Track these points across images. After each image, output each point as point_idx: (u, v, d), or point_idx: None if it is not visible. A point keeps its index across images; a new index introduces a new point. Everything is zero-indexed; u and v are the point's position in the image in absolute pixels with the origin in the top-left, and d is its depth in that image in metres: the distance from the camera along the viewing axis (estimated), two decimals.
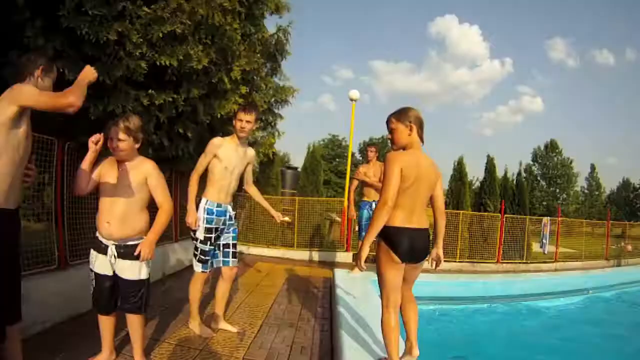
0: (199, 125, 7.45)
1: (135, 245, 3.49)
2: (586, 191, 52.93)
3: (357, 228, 9.95)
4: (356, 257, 3.54)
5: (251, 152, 5.07)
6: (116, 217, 3.49)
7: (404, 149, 3.60)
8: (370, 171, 7.97)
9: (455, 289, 8.71)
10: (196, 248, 4.74)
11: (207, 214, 4.68)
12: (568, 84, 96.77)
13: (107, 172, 3.59)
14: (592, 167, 53.71)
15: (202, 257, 4.73)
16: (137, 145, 3.67)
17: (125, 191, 3.53)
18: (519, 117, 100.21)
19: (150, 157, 6.53)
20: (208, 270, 4.84)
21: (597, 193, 52.48)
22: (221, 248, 4.92)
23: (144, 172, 3.63)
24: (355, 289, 6.42)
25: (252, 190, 5.33)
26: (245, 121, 4.70)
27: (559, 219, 14.78)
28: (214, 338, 4.76)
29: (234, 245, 5.00)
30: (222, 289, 5.05)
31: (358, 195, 8.67)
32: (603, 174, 68.39)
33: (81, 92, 2.88)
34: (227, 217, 4.87)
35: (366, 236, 3.41)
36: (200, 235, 4.67)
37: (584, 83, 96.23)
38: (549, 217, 14.53)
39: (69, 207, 5.42)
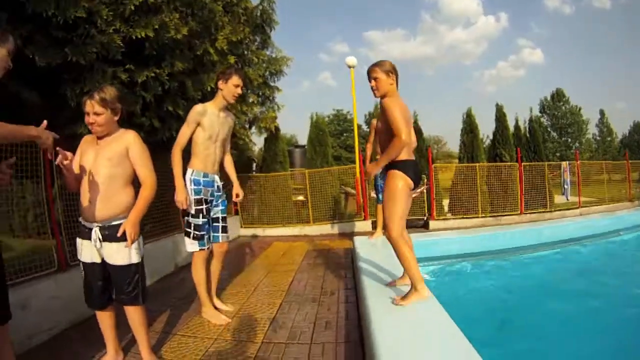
0: (190, 101, 7.09)
1: (121, 225, 3.19)
2: (598, 138, 52.15)
3: (372, 193, 9.55)
4: (367, 169, 4.04)
5: (232, 117, 4.79)
6: (97, 196, 3.18)
7: (384, 96, 3.93)
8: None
9: (481, 243, 8.33)
10: (188, 224, 4.41)
11: (194, 184, 4.40)
12: (567, 33, 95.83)
13: (85, 151, 3.30)
14: (602, 113, 52.76)
15: (197, 232, 4.40)
16: (116, 118, 3.34)
17: (106, 165, 3.22)
18: (521, 71, 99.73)
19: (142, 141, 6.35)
20: (206, 247, 4.50)
21: (609, 139, 51.60)
22: (210, 222, 4.62)
23: (125, 142, 3.31)
24: (377, 253, 5.98)
25: (227, 159, 4.92)
26: (241, 87, 4.48)
27: (578, 162, 14.22)
28: (230, 324, 4.43)
29: (224, 219, 4.76)
30: (213, 267, 4.79)
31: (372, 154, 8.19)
32: (613, 120, 67.66)
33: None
34: (215, 187, 4.60)
35: (382, 159, 3.80)
36: (190, 208, 4.37)
37: (583, 29, 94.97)
38: (567, 162, 14.03)
39: (63, 204, 5.15)
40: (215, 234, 4.67)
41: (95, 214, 3.16)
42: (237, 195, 4.90)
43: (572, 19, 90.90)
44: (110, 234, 3.18)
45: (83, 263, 3.29)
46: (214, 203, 4.62)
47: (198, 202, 4.38)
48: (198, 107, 4.36)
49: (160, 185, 6.90)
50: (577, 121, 48.47)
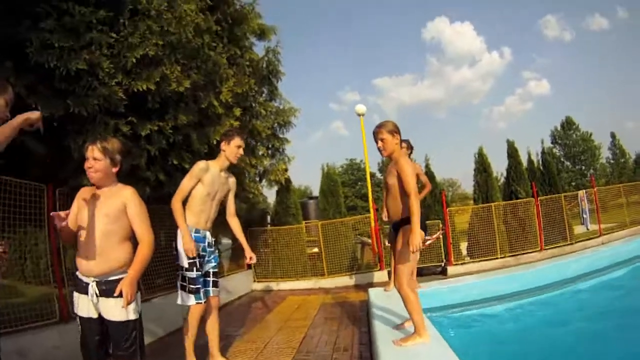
0: (196, 155, 7.08)
1: (118, 281, 3.09)
2: (612, 161, 51.93)
3: (387, 242, 9.33)
4: (414, 243, 3.83)
5: (232, 179, 4.92)
6: (95, 251, 3.12)
7: (391, 154, 4.25)
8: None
9: (500, 287, 8.02)
10: (183, 278, 4.42)
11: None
12: (570, 59, 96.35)
13: (82, 205, 3.27)
14: (613, 135, 52.89)
15: (192, 286, 4.39)
16: (114, 169, 3.33)
17: (103, 221, 3.18)
18: (529, 104, 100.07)
19: (148, 196, 6.30)
20: (203, 301, 4.48)
21: (622, 160, 51.43)
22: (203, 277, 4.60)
23: (123, 198, 3.27)
24: (393, 305, 5.72)
25: (234, 222, 5.01)
26: (243, 147, 4.68)
27: (595, 189, 13.91)
28: None
29: (215, 274, 4.76)
30: (211, 322, 4.72)
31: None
32: (625, 140, 67.44)
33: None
34: (206, 243, 4.61)
35: (415, 224, 3.82)
36: (184, 262, 4.38)
37: (585, 53, 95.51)
38: (584, 190, 13.75)
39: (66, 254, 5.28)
40: (207, 288, 4.61)
41: (92, 269, 3.11)
42: (251, 259, 4.92)
43: (572, 44, 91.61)
44: (107, 289, 3.10)
45: (80, 317, 3.20)
46: (206, 259, 4.61)
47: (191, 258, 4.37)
48: (202, 164, 4.47)
49: (169, 239, 6.90)
50: (589, 147, 48.75)
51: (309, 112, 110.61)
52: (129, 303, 3.05)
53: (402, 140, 7.25)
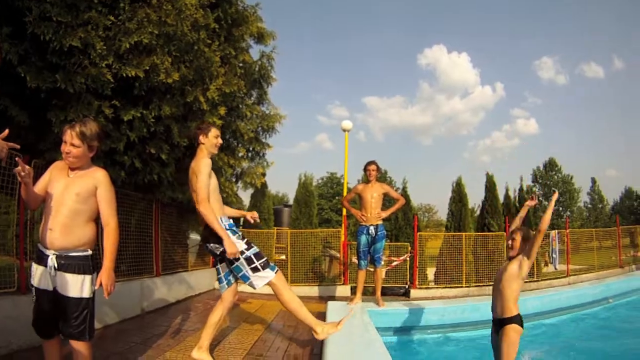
0: (176, 148, 7.22)
1: (77, 257, 3.21)
2: (589, 206, 52.85)
3: (354, 259, 9.38)
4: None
5: None
6: (60, 225, 3.18)
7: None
8: (369, 192, 7.33)
9: (464, 315, 8.07)
10: (249, 260, 4.35)
11: (229, 227, 4.42)
12: (561, 102, 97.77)
13: (55, 178, 3.33)
14: (593, 181, 54.06)
15: (261, 260, 4.40)
16: (90, 154, 3.41)
17: (73, 199, 3.24)
18: (515, 140, 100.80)
19: (123, 181, 6.37)
20: (277, 268, 4.51)
21: (600, 206, 52.39)
22: (228, 266, 4.53)
23: (95, 180, 3.35)
24: (352, 320, 5.77)
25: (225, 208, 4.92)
26: (220, 137, 4.64)
27: (567, 230, 14.15)
28: None
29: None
30: (218, 314, 4.69)
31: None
32: (605, 187, 68.64)
33: None
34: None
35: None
36: (241, 245, 4.33)
37: (576, 99, 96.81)
38: (556, 230, 13.94)
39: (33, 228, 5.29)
40: (230, 279, 4.63)
41: (54, 242, 3.15)
42: (253, 215, 5.15)
43: (565, 88, 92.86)
44: (66, 264, 3.17)
45: (36, 288, 3.24)
46: None
47: (241, 237, 4.39)
48: (208, 159, 4.43)
49: (141, 228, 6.86)
50: (569, 190, 49.35)
51: (297, 121, 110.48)
52: (109, 293, 3.15)
53: (373, 163, 7.46)
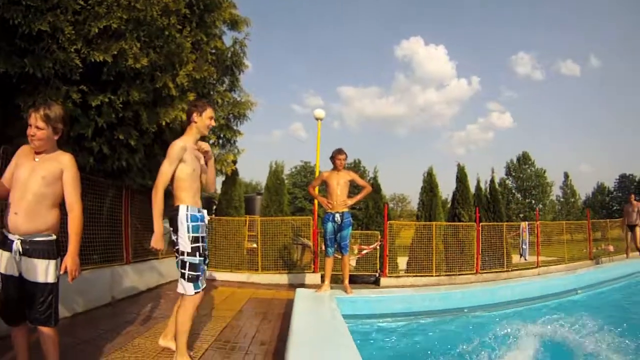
0: (146, 135, 7.13)
1: (42, 242, 3.21)
2: (561, 199, 53.64)
3: (323, 246, 9.38)
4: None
5: (206, 145, 4.52)
6: (25, 209, 3.17)
7: None
8: (334, 179, 7.25)
9: (432, 303, 8.15)
10: (183, 264, 4.06)
11: (192, 220, 4.08)
12: (536, 97, 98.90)
13: (21, 163, 3.31)
14: (566, 176, 54.87)
15: (193, 273, 4.04)
16: (55, 137, 3.39)
17: (38, 182, 3.23)
18: (490, 134, 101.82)
19: (92, 167, 6.28)
20: (202, 289, 4.14)
21: (572, 200, 53.25)
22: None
23: (61, 164, 3.34)
24: (319, 307, 5.86)
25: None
26: (214, 119, 4.45)
27: (538, 222, 14.43)
28: None
29: (207, 255, 4.42)
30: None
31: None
32: (577, 182, 69.76)
33: None
34: (206, 223, 4.32)
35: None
36: (186, 247, 4.04)
37: (552, 95, 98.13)
38: (527, 222, 14.17)
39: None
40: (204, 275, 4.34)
41: (19, 227, 3.15)
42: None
43: (541, 84, 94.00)
44: (31, 249, 3.17)
45: (2, 275, 3.20)
46: (205, 240, 4.27)
47: (195, 239, 4.07)
48: (179, 143, 4.14)
49: (111, 216, 6.75)
50: (541, 183, 50.11)
51: (272, 109, 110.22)
52: (74, 278, 3.16)
53: (342, 152, 7.45)
